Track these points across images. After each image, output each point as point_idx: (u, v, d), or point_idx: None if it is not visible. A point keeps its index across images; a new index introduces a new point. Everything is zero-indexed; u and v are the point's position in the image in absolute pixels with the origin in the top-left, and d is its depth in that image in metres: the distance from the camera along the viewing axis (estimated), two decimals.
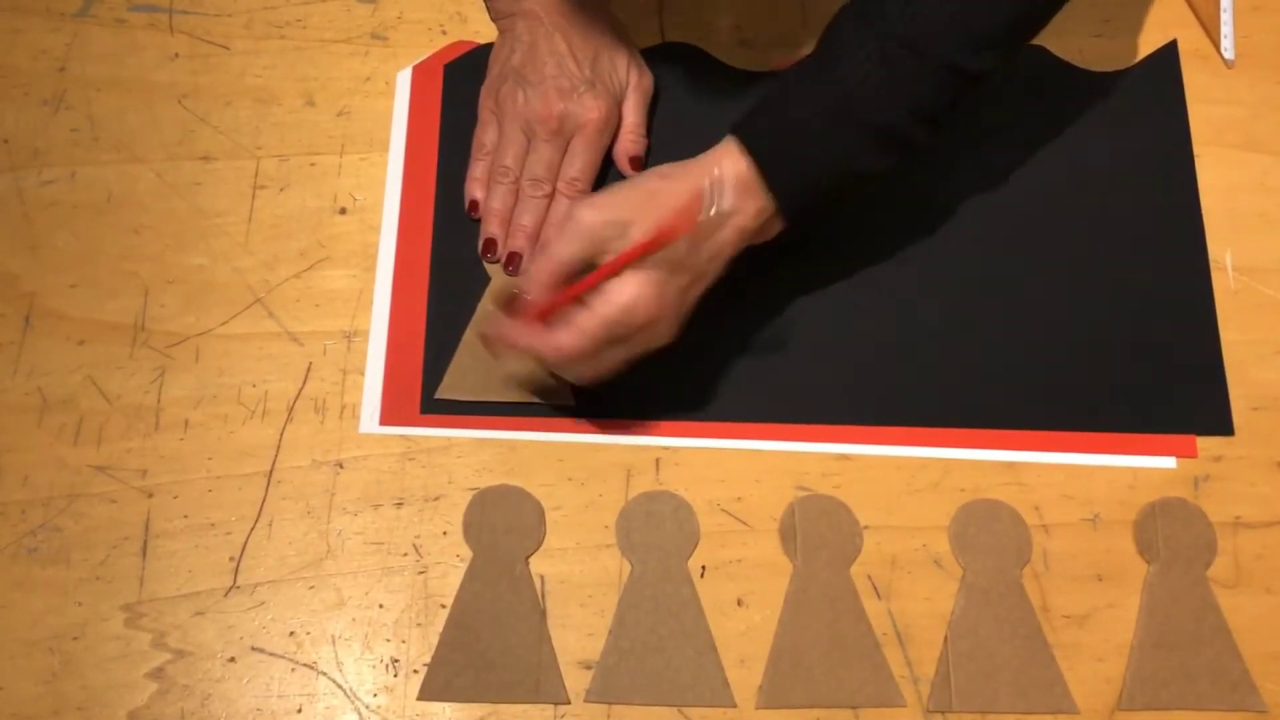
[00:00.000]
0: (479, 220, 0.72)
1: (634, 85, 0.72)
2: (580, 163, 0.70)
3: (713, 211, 0.58)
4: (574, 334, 0.59)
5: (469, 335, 0.69)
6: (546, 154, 0.70)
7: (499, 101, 0.71)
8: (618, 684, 0.63)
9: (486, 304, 0.70)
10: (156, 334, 0.69)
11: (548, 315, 0.60)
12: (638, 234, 0.58)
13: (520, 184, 0.70)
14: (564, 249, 0.59)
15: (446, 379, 0.68)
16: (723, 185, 0.59)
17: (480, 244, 0.71)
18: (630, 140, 0.72)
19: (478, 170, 0.72)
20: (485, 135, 0.72)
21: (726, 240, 0.60)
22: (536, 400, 0.68)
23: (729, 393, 0.69)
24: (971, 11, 0.59)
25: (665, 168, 0.62)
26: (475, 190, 0.72)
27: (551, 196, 0.70)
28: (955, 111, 0.62)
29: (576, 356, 0.59)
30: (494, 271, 0.71)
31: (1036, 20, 0.63)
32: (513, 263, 0.70)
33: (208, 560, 0.65)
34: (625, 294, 0.58)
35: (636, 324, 0.59)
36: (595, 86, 0.69)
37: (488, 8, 0.73)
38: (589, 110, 0.69)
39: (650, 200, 0.59)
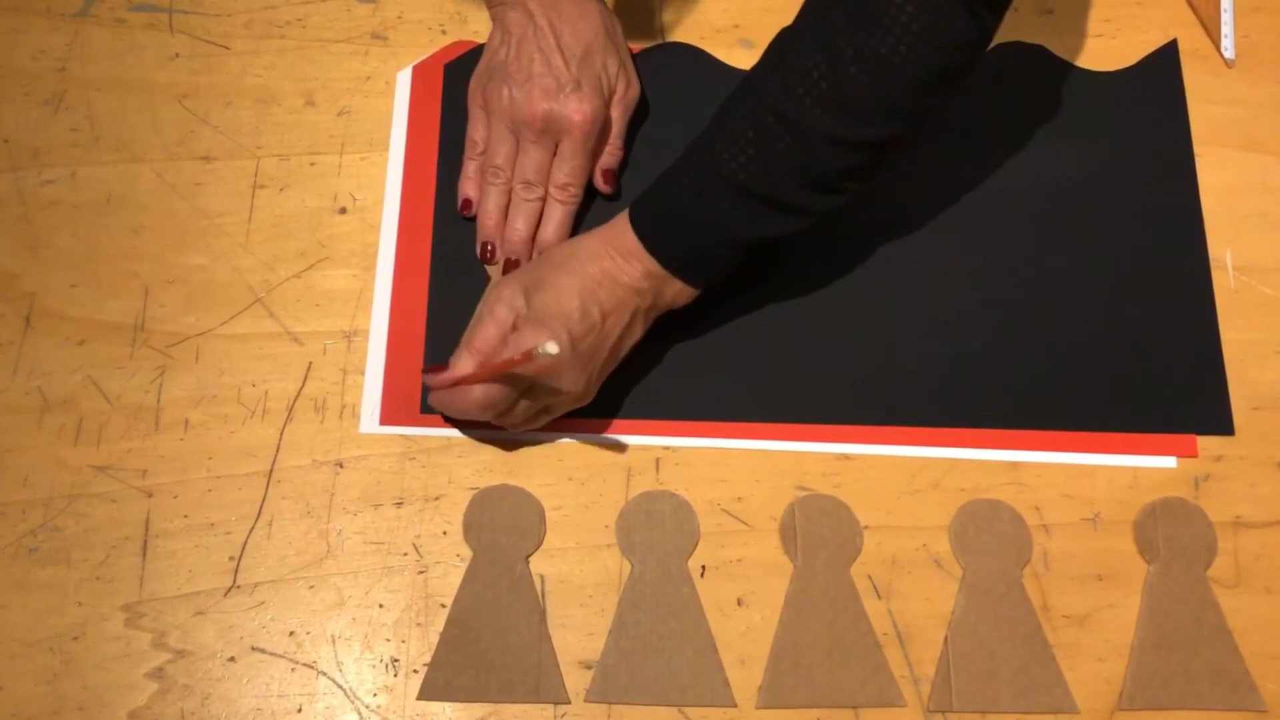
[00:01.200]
0: (473, 218, 0.72)
1: (620, 94, 0.71)
2: (569, 167, 0.69)
3: (542, 349, 0.57)
4: (499, 379, 0.61)
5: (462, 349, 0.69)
6: (536, 156, 0.69)
7: (486, 97, 0.70)
8: (618, 684, 0.63)
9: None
10: (156, 334, 0.69)
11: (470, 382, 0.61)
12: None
13: (512, 186, 0.70)
14: (491, 330, 0.61)
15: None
16: (612, 279, 0.62)
17: (478, 248, 0.71)
18: (606, 152, 0.72)
19: (470, 169, 0.71)
20: (476, 132, 0.71)
21: (623, 303, 0.63)
22: None
23: (729, 393, 0.69)
24: (852, 82, 0.56)
25: (579, 239, 0.65)
26: (468, 189, 0.71)
27: (544, 199, 0.70)
28: (873, 172, 0.61)
29: (486, 405, 0.61)
30: (494, 272, 0.71)
31: (946, 80, 0.58)
32: (509, 269, 0.70)
33: (208, 560, 0.65)
34: (524, 344, 0.59)
35: (540, 369, 0.60)
36: (581, 87, 0.68)
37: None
38: (575, 112, 0.68)
39: (557, 274, 0.63)
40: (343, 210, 0.73)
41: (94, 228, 0.72)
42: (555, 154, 0.70)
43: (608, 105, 0.70)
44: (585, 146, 0.69)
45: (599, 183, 0.72)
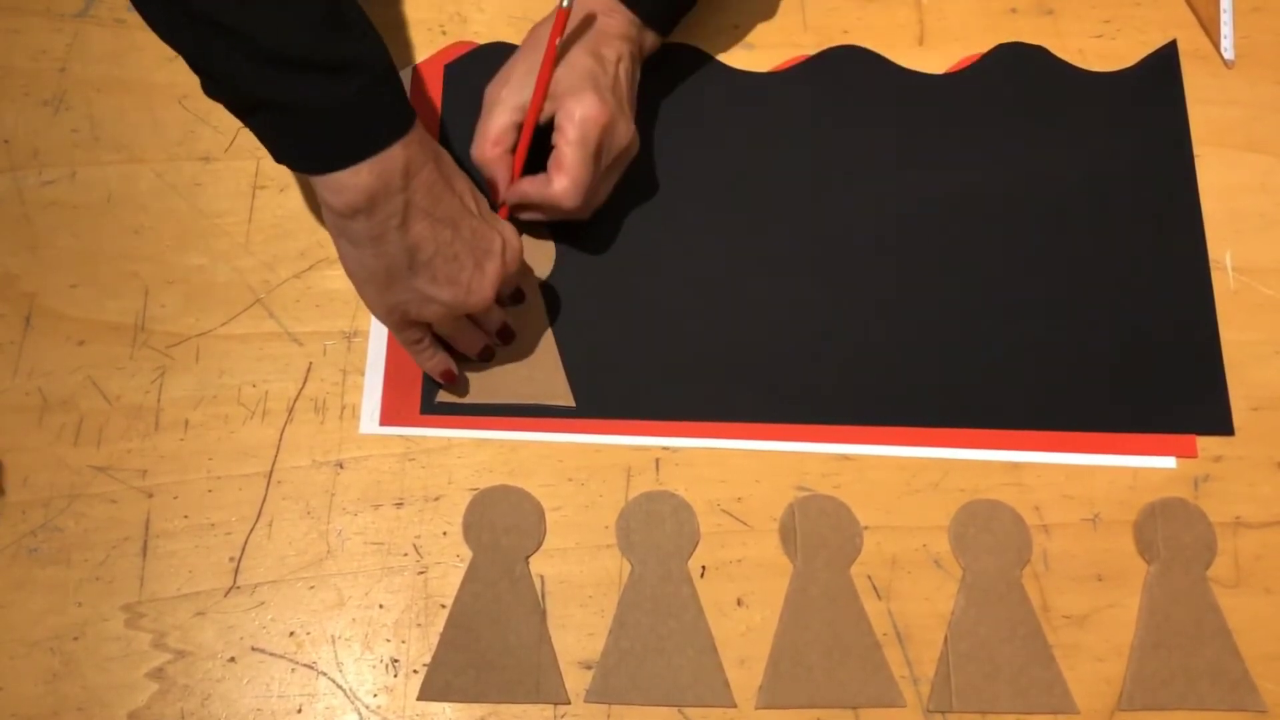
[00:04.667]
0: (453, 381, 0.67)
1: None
2: (512, 293, 0.68)
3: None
4: (564, 174, 0.63)
5: None
6: (495, 312, 0.66)
7: (419, 317, 0.62)
8: (618, 684, 0.63)
9: None
10: (156, 334, 0.69)
11: (520, 162, 0.66)
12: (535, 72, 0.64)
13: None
14: (490, 123, 0.65)
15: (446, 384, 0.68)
16: None
17: (476, 355, 0.67)
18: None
19: (427, 354, 0.65)
20: (411, 336, 0.63)
21: (621, 52, 0.66)
22: (539, 401, 0.68)
23: (729, 393, 0.69)
24: None
25: (540, 24, 0.68)
26: (441, 365, 0.65)
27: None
28: None
29: (578, 191, 0.64)
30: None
31: None
32: (503, 337, 0.68)
33: (208, 560, 0.65)
34: (575, 114, 0.63)
35: (599, 133, 0.63)
36: (498, 226, 0.62)
37: (326, 209, 0.57)
38: (514, 258, 0.62)
39: (530, 48, 0.66)
40: None
41: (94, 228, 0.72)
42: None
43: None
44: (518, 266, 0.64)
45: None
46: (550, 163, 0.65)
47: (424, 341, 0.64)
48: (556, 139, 0.64)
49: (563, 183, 0.64)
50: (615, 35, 0.67)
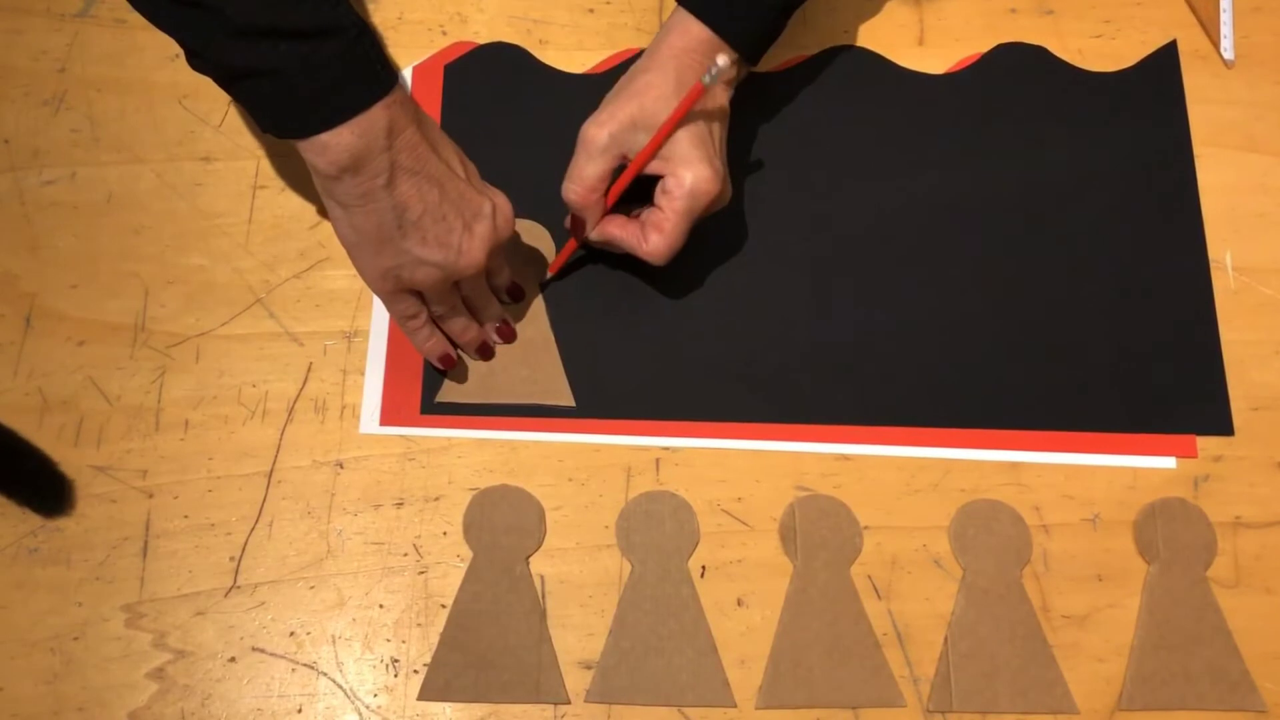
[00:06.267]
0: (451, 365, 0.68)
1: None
2: (505, 268, 0.67)
3: (713, 73, 0.60)
4: (663, 237, 0.64)
5: None
6: (481, 284, 0.66)
7: (410, 282, 0.62)
8: (618, 684, 0.63)
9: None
10: (157, 334, 0.69)
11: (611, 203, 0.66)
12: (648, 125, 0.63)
13: (464, 298, 0.66)
14: (590, 167, 0.64)
15: (448, 382, 0.68)
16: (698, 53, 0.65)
17: (478, 356, 0.68)
18: None
19: (424, 334, 0.65)
20: (405, 308, 0.64)
21: (726, 105, 0.66)
22: (538, 401, 0.68)
23: (729, 393, 0.69)
24: None
25: (639, 64, 0.66)
26: (439, 348, 0.66)
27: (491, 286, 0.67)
28: None
29: (668, 253, 0.65)
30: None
31: None
32: (485, 352, 0.68)
33: (208, 560, 0.65)
34: (686, 183, 0.63)
35: (707, 203, 0.64)
36: (489, 194, 0.62)
37: (316, 175, 0.58)
38: (505, 225, 0.62)
39: (645, 95, 0.63)
40: None
41: (94, 228, 0.72)
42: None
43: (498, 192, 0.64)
44: (509, 237, 0.64)
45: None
46: (647, 218, 0.65)
47: (420, 318, 0.64)
48: (661, 200, 0.64)
49: (659, 245, 0.64)
50: (720, 83, 0.66)
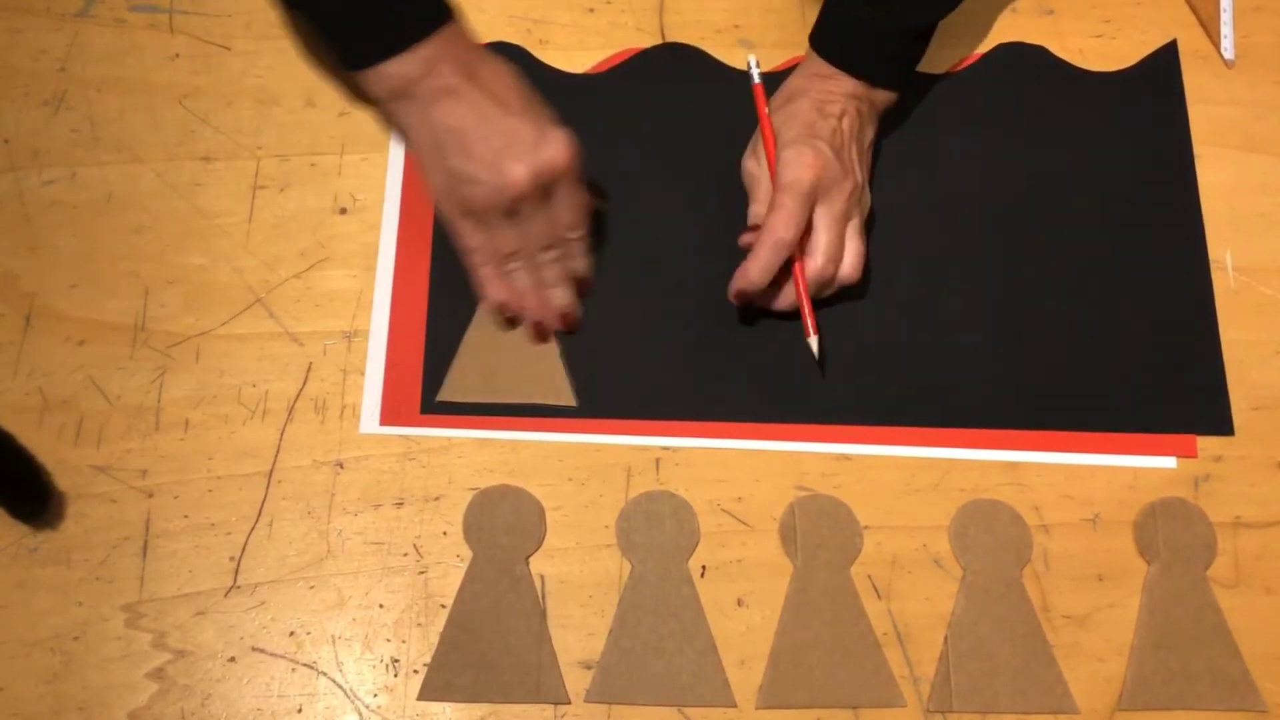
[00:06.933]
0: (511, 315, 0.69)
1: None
2: (569, 207, 0.66)
3: (755, 70, 0.69)
4: (770, 211, 0.65)
5: (470, 336, 0.69)
6: (540, 220, 0.66)
7: (466, 204, 0.65)
8: (618, 684, 0.63)
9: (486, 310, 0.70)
10: (156, 334, 0.69)
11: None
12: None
13: (534, 260, 0.67)
14: (751, 209, 0.69)
15: (448, 381, 0.68)
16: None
17: (531, 332, 0.69)
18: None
19: (487, 272, 0.68)
20: (470, 240, 0.67)
21: (846, 108, 0.68)
22: (539, 401, 0.68)
23: (729, 393, 0.69)
24: None
25: (779, 99, 0.70)
26: (498, 294, 0.68)
27: (563, 242, 0.68)
28: None
29: (776, 227, 0.64)
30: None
31: None
32: (566, 322, 0.69)
33: (208, 560, 0.65)
34: (783, 157, 0.65)
35: (809, 175, 0.64)
36: (544, 128, 0.64)
37: (379, 103, 0.65)
38: (557, 157, 0.63)
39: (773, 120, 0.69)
40: (343, 211, 0.73)
41: (94, 228, 0.72)
42: (552, 201, 0.66)
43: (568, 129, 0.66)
44: (577, 178, 0.65)
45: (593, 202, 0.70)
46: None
47: (481, 254, 0.67)
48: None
49: (769, 221, 0.65)
50: (841, 94, 0.68)
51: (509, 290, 0.68)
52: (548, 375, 0.69)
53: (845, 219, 0.67)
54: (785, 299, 0.68)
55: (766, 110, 0.69)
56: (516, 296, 0.68)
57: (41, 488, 0.64)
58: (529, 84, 0.66)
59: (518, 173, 0.63)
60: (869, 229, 0.70)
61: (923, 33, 0.69)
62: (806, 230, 0.65)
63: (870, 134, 0.70)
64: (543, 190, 0.64)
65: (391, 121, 0.65)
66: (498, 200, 0.64)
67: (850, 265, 0.67)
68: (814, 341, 0.67)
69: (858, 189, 0.67)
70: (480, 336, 0.69)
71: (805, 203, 0.65)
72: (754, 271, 0.65)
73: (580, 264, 0.69)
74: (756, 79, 0.69)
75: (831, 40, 0.68)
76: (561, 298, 0.69)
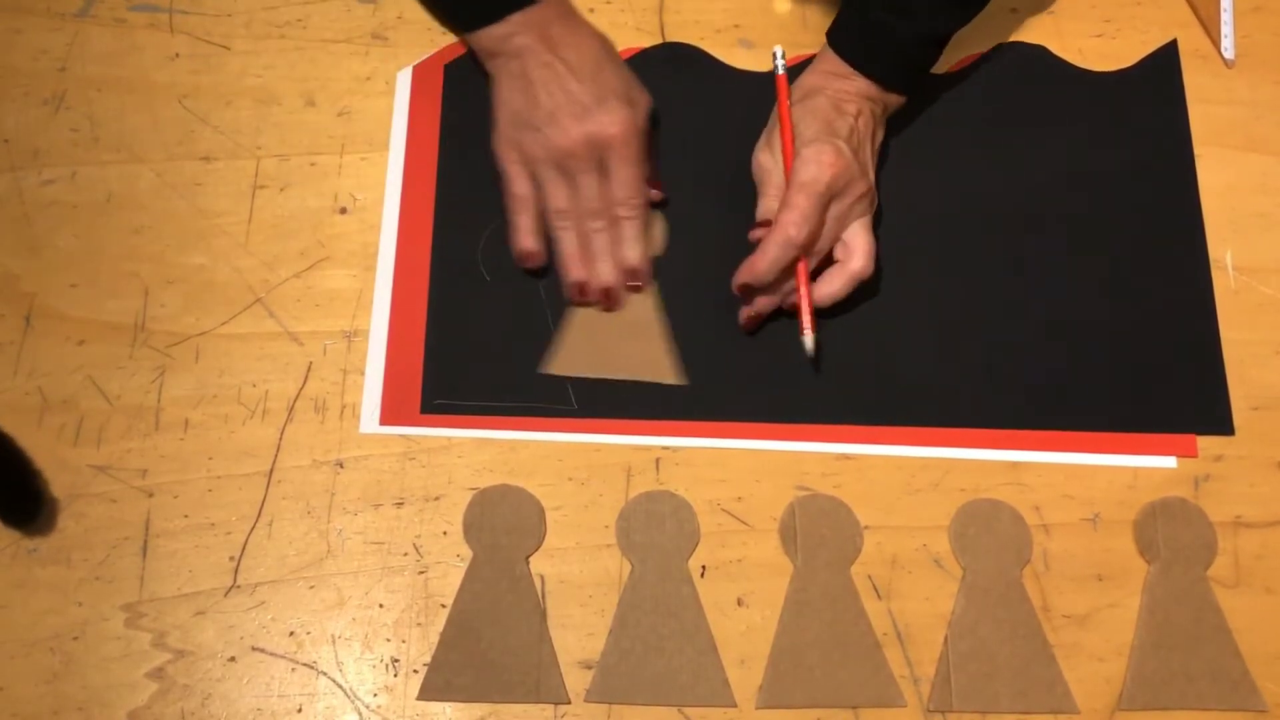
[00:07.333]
0: (536, 270, 0.70)
1: (640, 105, 0.70)
2: (623, 180, 0.68)
3: (779, 63, 0.70)
4: (782, 208, 0.66)
5: (577, 312, 0.70)
6: (590, 184, 0.68)
7: (521, 150, 0.69)
8: (618, 684, 0.63)
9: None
10: (156, 334, 0.69)
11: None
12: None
13: (582, 223, 0.69)
14: (761, 206, 0.69)
15: (558, 356, 0.68)
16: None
17: (569, 291, 0.70)
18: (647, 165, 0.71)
19: (524, 222, 0.70)
20: (519, 188, 0.70)
21: (861, 108, 0.68)
22: (645, 378, 0.68)
23: (729, 393, 0.69)
24: None
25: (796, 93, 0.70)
26: (527, 242, 0.70)
27: (613, 221, 0.69)
28: None
29: (787, 224, 0.65)
30: (582, 313, 0.71)
31: None
32: (608, 298, 0.69)
33: (208, 560, 0.65)
34: (801, 155, 0.66)
35: (827, 174, 0.65)
36: (605, 101, 0.68)
37: (471, 49, 0.73)
38: (610, 124, 0.67)
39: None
40: (343, 210, 0.73)
41: (94, 228, 0.72)
42: (607, 175, 0.69)
43: (635, 109, 0.69)
44: (631, 156, 0.68)
45: (650, 194, 0.71)
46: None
47: (525, 201, 0.70)
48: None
49: (780, 217, 0.65)
50: (855, 94, 0.68)
51: (537, 243, 0.70)
52: (652, 354, 0.68)
53: (861, 217, 0.67)
54: (787, 294, 0.68)
55: (788, 103, 0.69)
56: (560, 250, 0.70)
57: (33, 494, 0.64)
58: (619, 65, 0.71)
59: (570, 129, 0.67)
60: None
61: (939, 40, 0.70)
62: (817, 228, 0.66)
63: (880, 136, 0.71)
64: (595, 156, 0.68)
65: (483, 68, 0.73)
66: (548, 151, 0.68)
67: (865, 260, 0.67)
68: (809, 339, 0.67)
69: (870, 189, 0.68)
70: (590, 311, 0.70)
71: (819, 203, 0.65)
72: (761, 267, 0.66)
73: (629, 249, 0.70)
74: (781, 70, 0.70)
75: (849, 39, 0.69)
76: (605, 273, 0.69)
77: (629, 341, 0.69)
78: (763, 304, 0.68)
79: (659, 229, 0.72)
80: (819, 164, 0.65)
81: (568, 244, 0.70)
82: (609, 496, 0.67)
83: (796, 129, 0.68)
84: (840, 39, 0.69)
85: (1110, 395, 0.69)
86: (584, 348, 0.69)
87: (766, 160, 0.69)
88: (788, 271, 0.67)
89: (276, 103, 0.75)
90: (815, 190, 0.65)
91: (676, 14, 0.78)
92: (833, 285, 0.67)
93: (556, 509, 0.66)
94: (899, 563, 0.66)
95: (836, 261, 0.68)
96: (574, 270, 0.70)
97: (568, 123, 0.68)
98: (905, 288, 0.71)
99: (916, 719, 0.63)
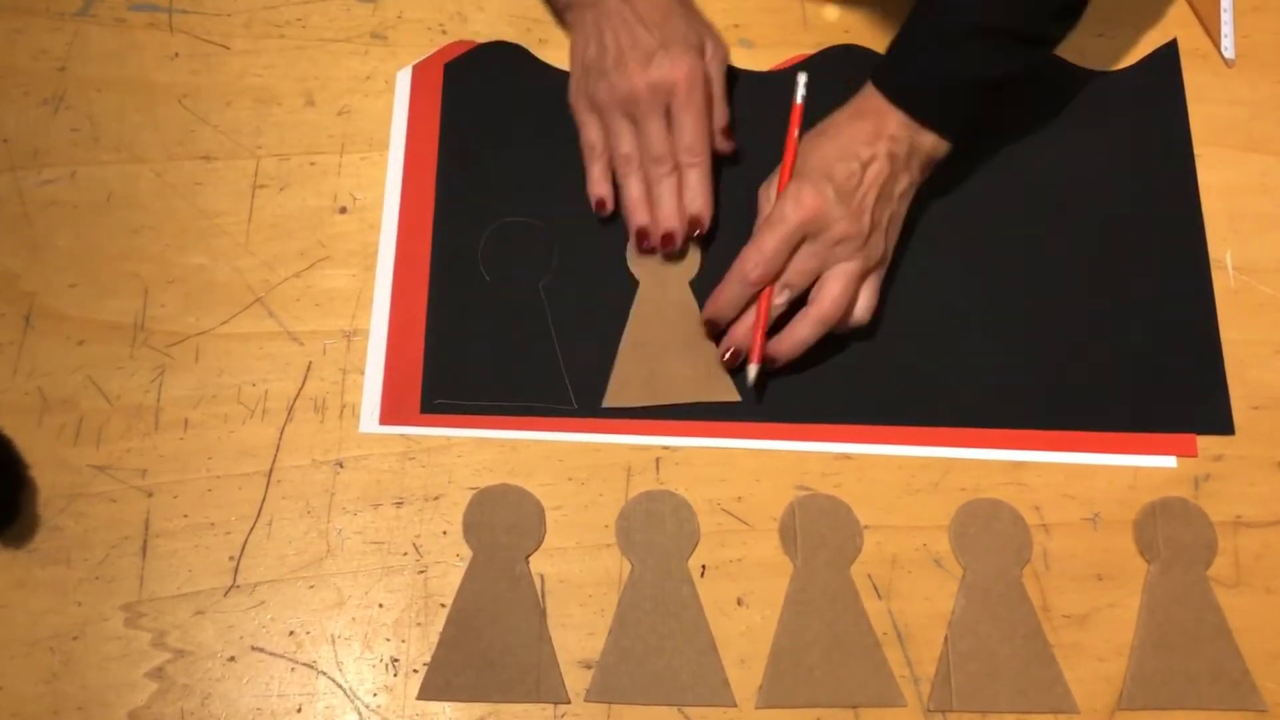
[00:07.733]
0: (608, 217, 0.71)
1: (711, 53, 0.71)
2: (687, 129, 0.69)
3: (801, 92, 0.69)
4: (750, 249, 0.65)
5: (627, 340, 0.69)
6: (655, 129, 0.69)
7: (591, 98, 0.71)
8: (618, 684, 0.63)
9: (642, 310, 0.70)
10: (156, 334, 0.69)
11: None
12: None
13: (645, 168, 0.70)
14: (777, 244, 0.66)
15: (611, 388, 0.68)
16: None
17: (632, 235, 0.70)
18: (716, 111, 0.71)
19: (595, 171, 0.71)
20: (590, 135, 0.72)
21: (878, 153, 0.66)
22: (704, 399, 0.68)
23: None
24: None
25: (826, 122, 0.68)
26: (599, 190, 0.71)
27: (678, 168, 0.70)
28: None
29: (750, 256, 0.65)
30: (640, 263, 0.71)
31: None
32: (668, 243, 0.70)
33: (208, 560, 0.65)
34: (782, 206, 0.65)
35: (799, 215, 0.64)
36: (671, 47, 0.68)
37: (558, 13, 0.76)
38: (672, 70, 0.68)
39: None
40: (343, 210, 0.73)
41: (94, 228, 0.72)
42: (672, 122, 0.69)
43: (703, 58, 0.70)
44: (695, 103, 0.69)
45: (719, 143, 0.71)
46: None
47: (596, 150, 0.71)
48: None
49: (746, 251, 0.65)
50: (875, 135, 0.66)
51: (608, 189, 0.71)
52: (709, 373, 0.68)
53: (844, 262, 0.65)
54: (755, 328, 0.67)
55: (797, 134, 0.67)
56: (625, 195, 0.70)
57: (7, 503, 0.64)
58: (692, 14, 0.72)
59: (635, 74, 0.68)
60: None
61: (987, 83, 0.66)
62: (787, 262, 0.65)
63: (904, 182, 0.67)
64: (660, 102, 0.69)
65: (561, 24, 0.76)
66: (614, 97, 0.69)
67: (829, 306, 0.65)
68: (753, 370, 0.66)
69: (860, 235, 0.65)
70: (637, 338, 0.69)
71: (785, 243, 0.64)
72: (720, 301, 0.66)
73: (693, 197, 0.69)
74: (799, 99, 0.68)
75: (888, 71, 0.67)
76: (666, 218, 0.69)
77: (681, 363, 0.69)
78: (738, 337, 0.67)
79: (695, 255, 0.71)
80: (795, 202, 0.64)
81: (632, 189, 0.70)
82: (609, 496, 0.67)
83: (796, 164, 0.67)
84: (879, 71, 0.67)
85: (1110, 395, 0.69)
86: (637, 375, 0.68)
87: (763, 194, 0.69)
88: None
89: (276, 102, 0.75)
90: (783, 230, 0.64)
91: None
92: (796, 331, 0.66)
93: (556, 509, 0.66)
94: (899, 562, 0.66)
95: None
96: (637, 215, 0.70)
97: (632, 68, 0.69)
98: (905, 287, 0.71)
99: (916, 719, 0.63)
